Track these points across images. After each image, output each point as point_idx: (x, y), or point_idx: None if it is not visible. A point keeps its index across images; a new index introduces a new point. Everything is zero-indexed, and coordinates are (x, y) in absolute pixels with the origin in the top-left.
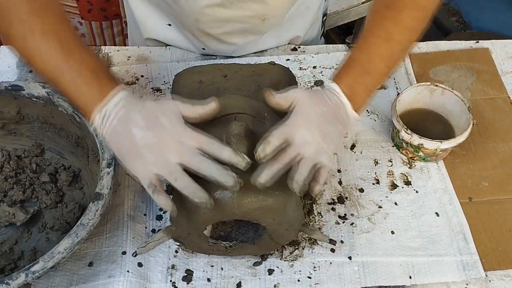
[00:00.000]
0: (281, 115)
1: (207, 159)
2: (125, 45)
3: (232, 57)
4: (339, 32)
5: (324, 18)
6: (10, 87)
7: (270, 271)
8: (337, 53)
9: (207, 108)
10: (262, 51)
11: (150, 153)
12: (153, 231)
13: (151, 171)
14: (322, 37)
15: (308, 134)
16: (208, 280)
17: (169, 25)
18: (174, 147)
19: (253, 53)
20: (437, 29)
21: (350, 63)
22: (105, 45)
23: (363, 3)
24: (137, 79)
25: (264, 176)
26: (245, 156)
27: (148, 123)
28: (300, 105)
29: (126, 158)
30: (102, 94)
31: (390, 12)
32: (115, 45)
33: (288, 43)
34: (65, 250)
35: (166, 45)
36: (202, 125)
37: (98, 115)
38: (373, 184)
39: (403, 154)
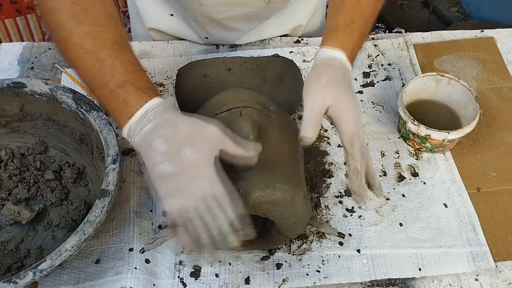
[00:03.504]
0: (286, 108)
1: (210, 217)
2: None
3: (235, 48)
4: None
5: (327, 10)
6: (12, 84)
7: (279, 266)
8: None
9: (249, 153)
10: (265, 42)
11: (163, 187)
12: (160, 227)
13: (174, 206)
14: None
15: (356, 123)
16: (216, 275)
17: (171, 15)
18: (186, 192)
19: (256, 42)
20: (438, 20)
21: (349, 26)
22: None
23: None
24: None
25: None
26: (247, 230)
27: (171, 152)
28: (332, 95)
29: (154, 183)
30: (129, 109)
31: None
32: None
33: (290, 33)
34: (73, 247)
35: (169, 38)
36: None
37: (125, 130)
38: (380, 176)
39: (409, 145)
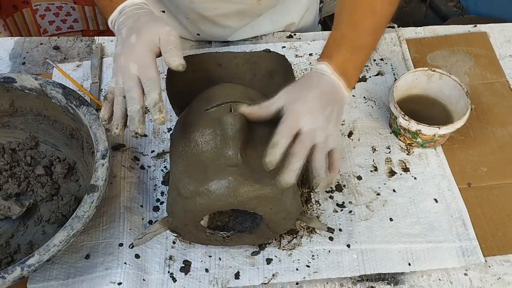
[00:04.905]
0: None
1: (132, 97)
2: None
3: (227, 44)
4: None
5: (321, 5)
6: (2, 80)
7: (269, 261)
8: None
9: (176, 66)
10: (257, 37)
11: (114, 65)
12: (150, 222)
13: (111, 82)
14: (319, 24)
15: (313, 120)
16: (206, 270)
17: (163, 11)
18: (125, 70)
19: (249, 39)
20: (435, 15)
21: (338, 40)
22: (98, 29)
23: None
24: None
25: (290, 178)
26: (164, 116)
27: (124, 37)
28: (291, 95)
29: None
30: (112, 5)
31: None
32: (108, 29)
33: (283, 30)
34: (61, 243)
35: None
36: (197, 114)
37: (109, 22)
38: (371, 171)
39: (401, 140)
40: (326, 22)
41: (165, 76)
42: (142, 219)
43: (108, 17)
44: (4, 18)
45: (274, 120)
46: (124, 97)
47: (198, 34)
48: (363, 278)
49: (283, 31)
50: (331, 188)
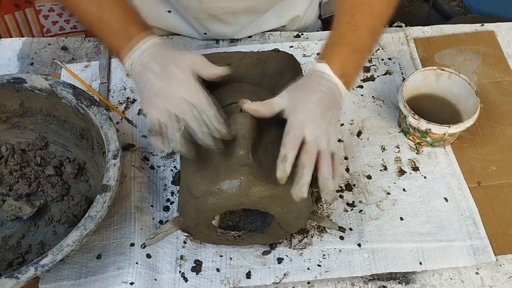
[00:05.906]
0: None
1: (197, 118)
2: None
3: (235, 43)
4: None
5: (321, 0)
6: (12, 80)
7: (280, 260)
8: None
9: (222, 71)
10: (265, 37)
11: (155, 99)
12: (161, 222)
13: (153, 115)
14: (319, 19)
15: (315, 127)
16: (218, 270)
17: (169, 11)
18: (173, 98)
19: (257, 37)
20: (438, 14)
21: (338, 41)
22: None
23: None
24: None
25: (304, 192)
26: (227, 129)
27: (161, 71)
28: (293, 100)
29: (143, 101)
30: (131, 43)
31: None
32: None
33: (288, 24)
34: (74, 242)
35: (168, 34)
36: None
37: (127, 62)
38: (381, 170)
39: (410, 139)
40: (329, 22)
41: None
42: (153, 219)
43: (123, 54)
44: (2, 15)
45: (281, 120)
46: (177, 122)
47: (205, 33)
48: (374, 278)
49: (286, 26)
50: (340, 187)
